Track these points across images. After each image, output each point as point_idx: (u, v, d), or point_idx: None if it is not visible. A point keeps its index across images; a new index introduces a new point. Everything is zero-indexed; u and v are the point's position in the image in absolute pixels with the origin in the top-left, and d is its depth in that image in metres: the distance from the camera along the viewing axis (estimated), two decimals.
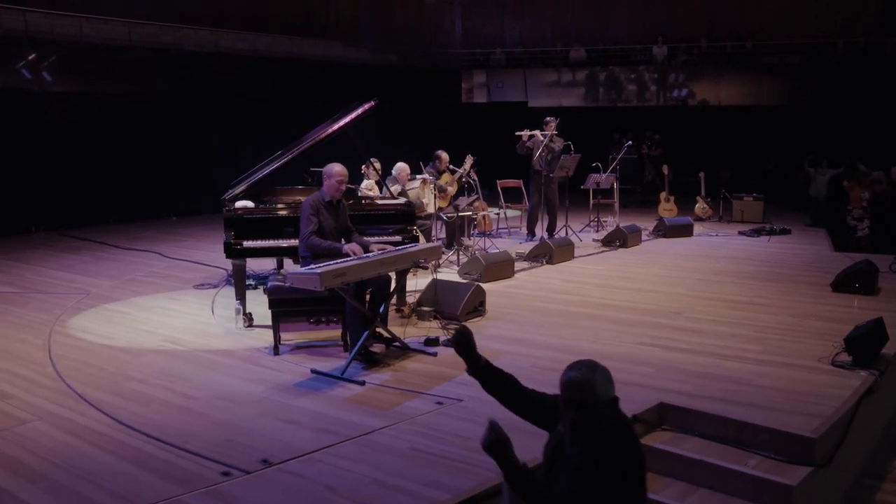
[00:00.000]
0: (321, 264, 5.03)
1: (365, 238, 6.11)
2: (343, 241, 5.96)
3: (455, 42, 21.67)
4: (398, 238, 6.57)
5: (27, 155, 12.55)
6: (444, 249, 8.95)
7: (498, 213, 12.14)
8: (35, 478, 3.76)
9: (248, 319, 6.56)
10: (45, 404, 4.79)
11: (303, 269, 4.99)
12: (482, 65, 20.96)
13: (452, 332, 6.14)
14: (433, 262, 7.65)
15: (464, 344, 3.15)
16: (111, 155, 13.44)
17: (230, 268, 8.73)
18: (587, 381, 2.60)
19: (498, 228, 12.26)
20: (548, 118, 11.34)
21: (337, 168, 6.05)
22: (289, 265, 8.26)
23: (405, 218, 6.88)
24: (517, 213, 12.87)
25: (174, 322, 6.81)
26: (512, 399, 3.12)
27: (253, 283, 8.03)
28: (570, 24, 20.51)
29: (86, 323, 6.80)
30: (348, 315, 5.59)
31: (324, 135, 6.89)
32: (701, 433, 4.49)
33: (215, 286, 8.26)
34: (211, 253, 10.27)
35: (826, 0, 17.81)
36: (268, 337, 6.13)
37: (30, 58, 12.70)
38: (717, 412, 4.53)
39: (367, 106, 6.88)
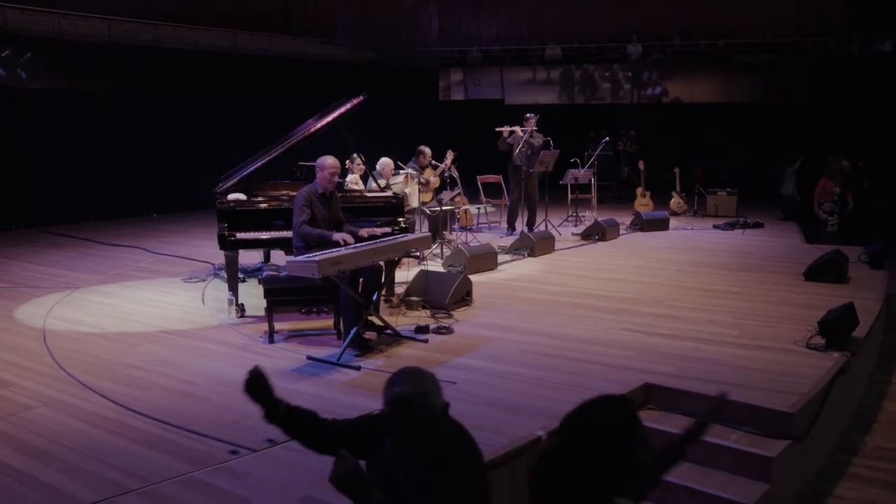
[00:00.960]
0: (317, 253, 5.18)
1: (358, 229, 6.26)
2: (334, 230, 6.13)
3: (432, 40, 21.85)
4: (388, 229, 6.72)
5: (6, 151, 12.52)
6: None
7: (479, 208, 12.31)
8: (48, 459, 3.88)
9: (241, 310, 6.68)
10: (47, 391, 4.90)
11: (301, 258, 5.14)
12: (459, 63, 21.18)
13: (440, 321, 6.39)
14: (423, 252, 7.81)
15: (257, 387, 2.61)
16: (91, 152, 13.41)
17: (217, 262, 8.96)
18: (418, 394, 2.29)
19: (478, 223, 12.44)
20: (528, 115, 11.54)
21: (329, 160, 6.21)
22: (277, 257, 8.37)
23: (394, 210, 7.05)
24: (495, 207, 13.07)
25: (166, 314, 6.91)
26: (317, 439, 2.64)
27: (242, 276, 8.13)
28: (546, 23, 20.78)
29: (78, 315, 6.88)
30: (342, 303, 5.74)
31: (314, 129, 7.03)
32: (684, 411, 4.71)
33: (203, 280, 8.36)
34: (196, 248, 10.36)
35: (797, 1, 18.22)
36: (260, 327, 6.30)
37: (4, 54, 12.67)
38: (699, 391, 4.75)
39: (355, 101, 7.04)
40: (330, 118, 7.00)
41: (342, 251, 5.30)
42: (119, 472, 3.70)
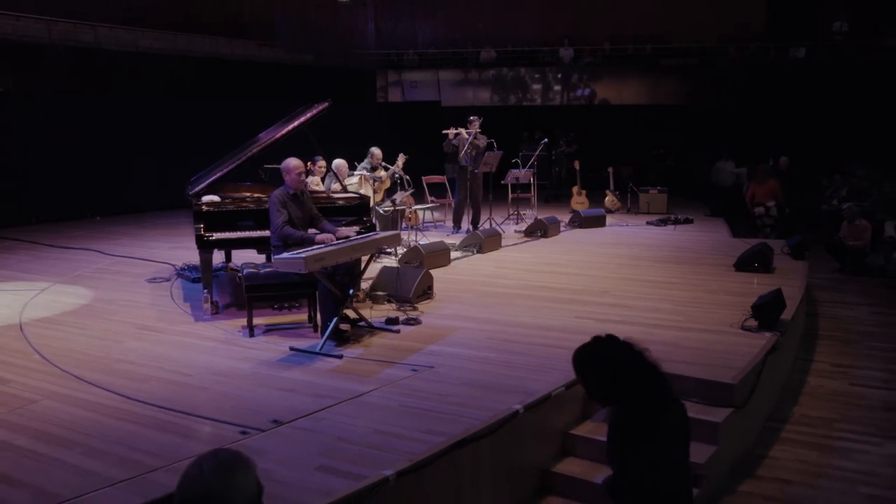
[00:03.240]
0: (303, 250, 5.56)
1: (334, 227, 6.64)
2: (311, 229, 6.50)
3: (369, 43, 22.19)
4: (357, 228, 7.12)
5: None
6: None
7: (429, 208, 12.72)
8: (69, 444, 4.17)
9: (215, 307, 6.98)
10: (46, 386, 5.14)
11: (288, 255, 5.50)
12: (396, 65, 21.57)
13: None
14: (395, 248, 8.21)
15: None
16: (31, 154, 13.32)
17: (179, 263, 9.21)
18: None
19: (424, 222, 12.87)
20: (472, 117, 12.03)
21: (294, 162, 6.59)
22: (247, 257, 8.61)
23: (361, 210, 7.45)
24: (435, 206, 13.51)
25: (141, 312, 7.16)
26: None
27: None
28: (481, 27, 21.37)
29: (53, 315, 7.07)
30: (321, 297, 6.12)
31: (281, 133, 7.36)
32: None
33: (168, 279, 8.58)
34: (150, 249, 10.53)
35: (718, 8, 19.27)
36: (236, 322, 6.64)
37: None
38: None
39: (320, 107, 7.40)
40: (297, 123, 7.35)
41: (324, 248, 5.69)
42: (140, 453, 4.02)
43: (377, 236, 6.43)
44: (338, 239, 6.30)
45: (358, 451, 4.00)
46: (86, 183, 14.02)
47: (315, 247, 5.78)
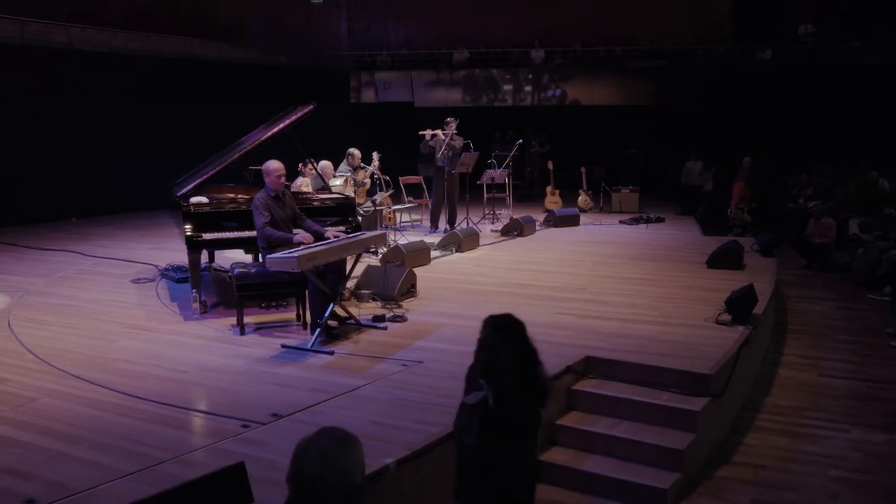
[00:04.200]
0: (296, 250, 5.72)
1: (320, 226, 6.80)
2: (294, 229, 6.66)
3: (342, 44, 22.29)
4: (343, 228, 7.27)
5: None
6: None
7: (407, 208, 12.87)
8: (74, 440, 4.29)
9: (204, 306, 7.10)
10: (44, 384, 5.24)
11: (281, 254, 5.67)
12: (369, 66, 21.69)
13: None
14: (380, 248, 8.38)
15: None
16: (3, 156, 13.26)
17: (162, 263, 9.29)
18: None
19: (401, 222, 13.04)
20: (448, 118, 12.22)
21: (274, 164, 6.75)
22: (230, 257, 8.73)
23: (347, 210, 7.61)
24: (413, 206, 13.69)
25: (129, 312, 7.26)
26: None
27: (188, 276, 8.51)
28: (454, 28, 21.57)
29: (42, 316, 7.12)
30: (312, 295, 6.28)
31: (265, 136, 7.50)
32: (621, 378, 5.51)
33: (152, 280, 8.66)
34: (130, 250, 10.58)
35: (687, 11, 19.68)
36: (226, 321, 6.79)
37: None
38: (632, 360, 5.56)
39: (305, 109, 7.55)
40: (282, 125, 7.49)
41: (316, 247, 5.86)
42: (146, 447, 4.16)
43: (365, 236, 6.60)
44: (325, 238, 6.46)
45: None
46: (60, 184, 13.96)
47: (306, 246, 5.94)
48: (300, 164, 9.76)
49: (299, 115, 7.52)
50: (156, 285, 8.41)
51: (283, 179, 6.79)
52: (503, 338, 3.04)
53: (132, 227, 13.08)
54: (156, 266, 9.28)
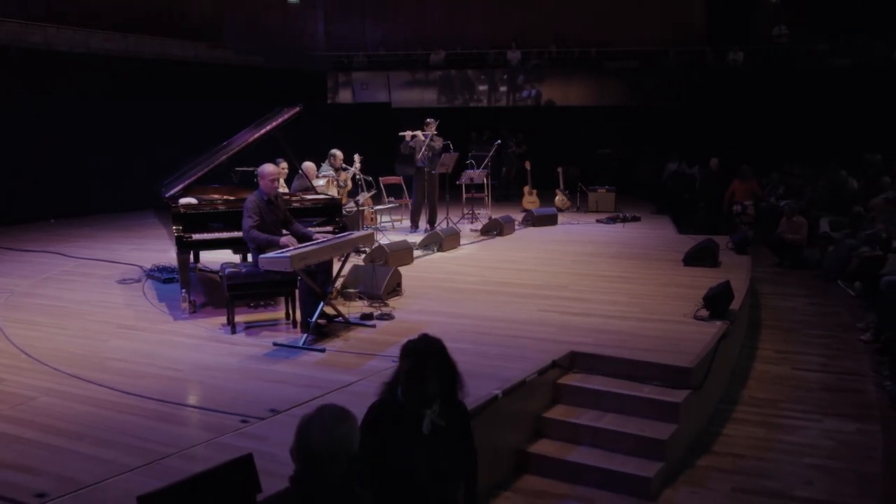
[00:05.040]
0: (288, 250, 5.85)
1: (308, 228, 6.93)
2: (283, 231, 6.78)
3: (319, 44, 22.33)
4: (330, 228, 7.41)
5: None
6: None
7: (389, 208, 12.99)
8: (78, 436, 4.39)
9: (193, 306, 7.20)
10: (41, 384, 5.32)
11: (273, 254, 5.81)
12: (346, 67, 21.76)
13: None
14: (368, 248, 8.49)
15: None
16: None
17: (144, 264, 9.35)
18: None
19: (381, 222, 13.17)
20: (428, 119, 12.35)
21: (270, 168, 6.86)
22: (215, 257, 8.77)
23: (334, 210, 7.74)
24: (394, 206, 13.83)
25: (118, 312, 7.33)
26: None
27: (174, 276, 8.59)
28: (430, 29, 21.70)
29: (30, 316, 7.17)
30: (302, 294, 6.41)
31: (253, 138, 7.61)
32: (604, 372, 5.71)
33: (138, 280, 8.72)
34: (114, 251, 10.60)
35: (659, 13, 19.99)
36: (215, 320, 6.89)
37: None
38: (615, 355, 5.76)
39: (292, 111, 7.66)
40: (269, 127, 7.60)
41: (308, 247, 5.99)
42: (150, 442, 4.27)
43: (353, 236, 6.74)
44: (306, 239, 6.58)
45: None
46: (38, 185, 13.91)
47: (298, 246, 6.08)
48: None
49: (286, 116, 7.63)
50: (142, 286, 8.47)
51: (276, 184, 6.91)
52: (431, 361, 3.08)
53: (112, 228, 13.07)
54: (140, 267, 9.33)
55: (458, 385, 3.22)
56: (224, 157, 7.56)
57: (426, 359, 3.08)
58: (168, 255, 9.62)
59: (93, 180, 14.83)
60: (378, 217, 12.82)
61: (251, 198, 6.77)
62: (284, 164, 9.75)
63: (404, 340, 6.14)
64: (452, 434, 3.15)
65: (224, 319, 6.75)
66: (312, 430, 2.34)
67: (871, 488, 4.93)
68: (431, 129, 12.13)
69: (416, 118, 12.48)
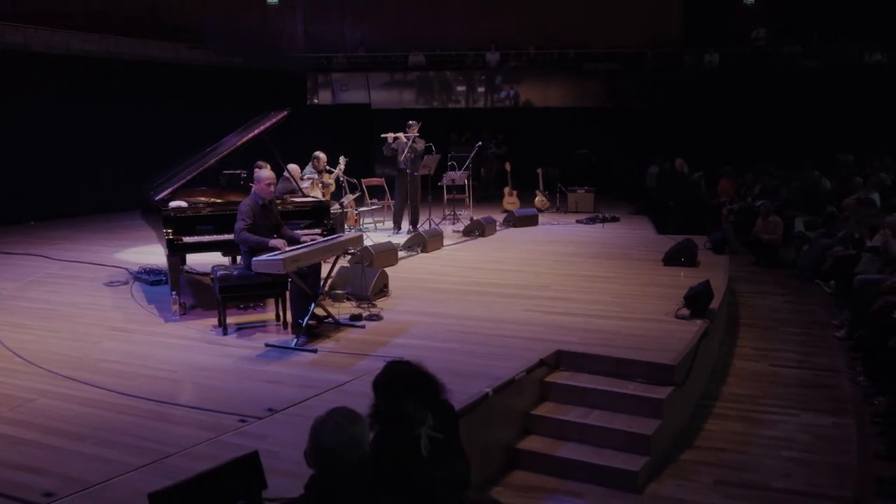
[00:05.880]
0: (279, 252, 5.97)
1: (297, 231, 7.04)
2: (275, 235, 6.88)
3: (298, 45, 22.37)
4: (319, 230, 7.51)
5: None
6: None
7: (373, 209, 13.08)
8: (80, 437, 4.47)
9: (183, 308, 7.27)
10: (38, 386, 5.38)
11: (266, 257, 5.92)
12: (325, 68, 21.82)
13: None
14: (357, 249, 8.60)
15: None
16: None
17: (129, 266, 9.40)
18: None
19: (363, 223, 13.27)
20: (410, 121, 12.46)
21: (266, 173, 6.97)
22: (202, 259, 8.83)
23: (322, 213, 7.85)
24: (377, 207, 13.94)
25: (108, 314, 7.39)
26: None
27: (163, 277, 8.66)
28: (410, 31, 21.83)
29: (18, 319, 7.20)
30: (293, 296, 6.51)
31: (241, 142, 7.69)
32: (590, 370, 5.87)
33: (125, 283, 8.76)
34: (97, 253, 10.62)
35: (638, 16, 20.27)
36: (206, 322, 6.98)
37: None
38: (600, 353, 5.93)
39: (280, 115, 7.76)
40: (257, 131, 7.69)
41: (300, 249, 6.11)
42: (151, 442, 4.37)
43: (343, 238, 6.86)
44: (295, 242, 6.70)
45: None
46: (17, 187, 13.85)
47: (290, 248, 6.19)
48: (256, 169, 9.92)
49: (274, 120, 7.73)
50: (130, 288, 8.52)
51: (272, 188, 7.01)
52: (400, 387, 3.12)
53: (94, 230, 13.06)
54: (126, 269, 9.35)
55: (438, 391, 3.21)
56: (213, 160, 7.64)
57: (395, 386, 3.10)
58: (152, 257, 9.71)
59: (73, 182, 14.80)
60: (361, 218, 12.93)
61: (246, 201, 6.85)
62: (268, 166, 9.84)
63: (394, 340, 6.33)
64: (454, 438, 3.22)
65: (214, 321, 6.85)
66: (326, 429, 2.50)
67: (846, 480, 5.13)
68: (413, 131, 12.24)
69: (395, 119, 12.61)
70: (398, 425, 3.06)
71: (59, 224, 13.80)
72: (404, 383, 3.13)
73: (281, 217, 7.31)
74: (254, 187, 6.90)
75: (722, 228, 12.37)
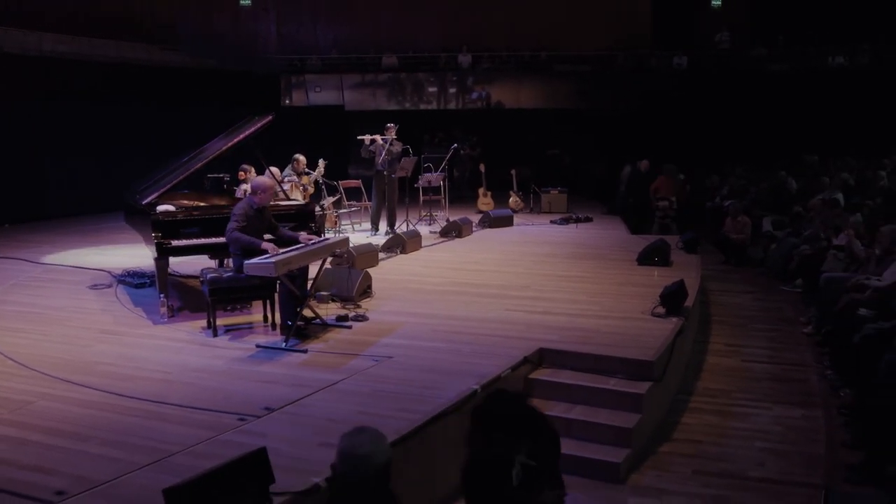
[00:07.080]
0: (271, 255, 6.12)
1: (296, 232, 7.20)
2: (269, 237, 7.03)
3: (271, 47, 22.39)
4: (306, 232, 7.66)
5: None
6: None
7: (352, 211, 13.21)
8: (83, 437, 4.58)
9: (171, 310, 7.38)
10: (35, 388, 5.47)
11: (257, 260, 6.07)
12: (299, 70, 21.86)
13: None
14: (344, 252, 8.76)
15: None
16: None
17: (113, 269, 9.46)
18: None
19: (341, 225, 13.40)
20: (389, 124, 12.64)
21: (268, 181, 7.15)
22: (189, 262, 8.93)
23: (307, 216, 8.00)
24: (355, 209, 14.08)
25: (96, 317, 7.47)
26: None
27: (148, 280, 8.75)
28: (383, 33, 21.95)
29: (9, 324, 7.24)
30: (282, 297, 6.67)
31: (226, 147, 7.82)
32: (572, 367, 6.10)
33: (109, 286, 8.84)
34: (78, 256, 10.67)
35: (607, 18, 20.63)
36: (195, 324, 7.10)
37: None
38: (581, 351, 6.16)
39: (264, 120, 7.90)
40: (242, 136, 7.82)
41: (291, 252, 6.27)
42: (153, 441, 4.50)
43: (331, 241, 7.02)
44: (299, 243, 6.86)
45: (348, 429, 4.61)
46: None
47: (280, 252, 6.35)
48: (240, 172, 10.06)
49: (259, 126, 7.85)
50: (114, 291, 8.60)
51: (271, 196, 7.18)
52: (498, 422, 2.30)
53: (70, 233, 13.06)
54: (109, 272, 9.42)
55: (537, 421, 2.34)
56: (199, 164, 7.75)
57: (489, 417, 2.31)
58: (134, 259, 9.78)
59: (46, 184, 14.77)
60: (339, 220, 13.07)
61: (241, 204, 6.99)
62: (249, 168, 9.98)
63: (382, 340, 6.49)
64: (551, 466, 2.54)
65: (202, 323, 6.99)
66: (363, 438, 2.68)
67: (815, 467, 5.41)
68: (391, 134, 12.42)
69: (369, 121, 12.75)
70: (488, 454, 2.35)
71: (35, 227, 13.77)
72: (498, 416, 2.32)
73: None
74: (255, 198, 6.95)
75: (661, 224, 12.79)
